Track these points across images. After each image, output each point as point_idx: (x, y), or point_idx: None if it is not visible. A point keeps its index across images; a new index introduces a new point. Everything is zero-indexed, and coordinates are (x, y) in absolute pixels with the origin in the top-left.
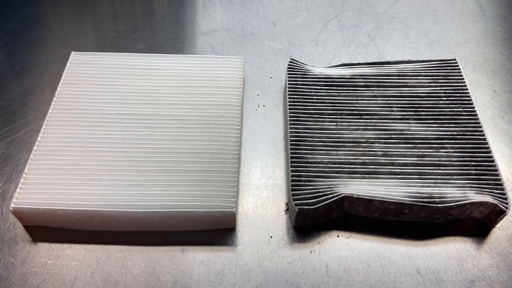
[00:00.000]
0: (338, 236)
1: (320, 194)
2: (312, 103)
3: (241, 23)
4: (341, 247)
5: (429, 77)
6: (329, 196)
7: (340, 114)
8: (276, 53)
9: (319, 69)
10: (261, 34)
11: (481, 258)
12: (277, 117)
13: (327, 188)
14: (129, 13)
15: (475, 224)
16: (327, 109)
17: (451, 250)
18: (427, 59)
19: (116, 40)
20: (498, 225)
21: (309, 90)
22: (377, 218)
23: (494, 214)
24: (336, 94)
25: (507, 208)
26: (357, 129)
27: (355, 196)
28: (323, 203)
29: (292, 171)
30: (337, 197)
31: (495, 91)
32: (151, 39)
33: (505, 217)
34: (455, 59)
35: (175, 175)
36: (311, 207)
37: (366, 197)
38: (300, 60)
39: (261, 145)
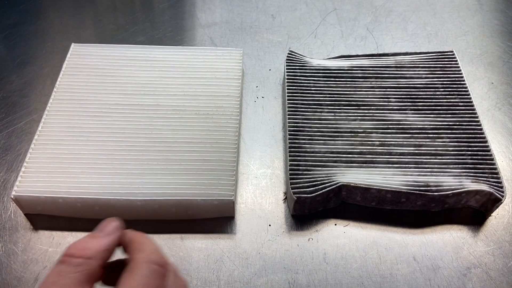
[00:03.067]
0: (335, 225)
1: (318, 183)
2: (310, 94)
3: (240, 16)
4: (339, 235)
5: (427, 69)
6: (326, 185)
7: (338, 105)
8: (275, 46)
9: (317, 60)
10: (260, 27)
11: (477, 246)
12: (275, 108)
13: (325, 177)
14: (129, 6)
15: (471, 212)
16: (325, 100)
17: (447, 238)
18: (424, 51)
19: (116, 32)
20: (494, 214)
21: (308, 81)
22: (374, 207)
23: (490, 203)
24: (334, 85)
25: (502, 196)
26: (354, 120)
27: (353, 184)
28: (320, 192)
29: (290, 160)
30: (334, 186)
31: (492, 83)
32: (151, 32)
33: (501, 205)
34: (452, 51)
35: (175, 164)
36: (309, 195)
37: (363, 186)
38: (299, 52)
39: (260, 136)
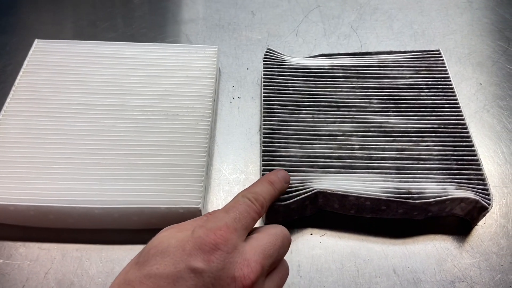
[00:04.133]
0: (311, 234)
1: (293, 189)
2: (288, 94)
3: (218, 12)
4: (315, 245)
5: (411, 68)
6: (301, 191)
7: (317, 106)
8: (254, 44)
9: (296, 59)
10: (239, 24)
11: (462, 258)
12: (252, 109)
13: (300, 183)
14: (101, 1)
15: (456, 221)
16: (304, 101)
17: (430, 248)
18: (409, 50)
19: (86, 29)
20: (480, 223)
21: (286, 81)
22: (354, 215)
23: (476, 211)
24: (314, 85)
25: (489, 204)
26: (334, 122)
27: (329, 191)
28: (295, 199)
29: (263, 165)
30: (310, 193)
31: (481, 83)
32: (123, 28)
33: (488, 214)
34: (438, 50)
35: (138, 169)
36: (282, 203)
37: (341, 193)
38: (279, 51)
39: (234, 139)
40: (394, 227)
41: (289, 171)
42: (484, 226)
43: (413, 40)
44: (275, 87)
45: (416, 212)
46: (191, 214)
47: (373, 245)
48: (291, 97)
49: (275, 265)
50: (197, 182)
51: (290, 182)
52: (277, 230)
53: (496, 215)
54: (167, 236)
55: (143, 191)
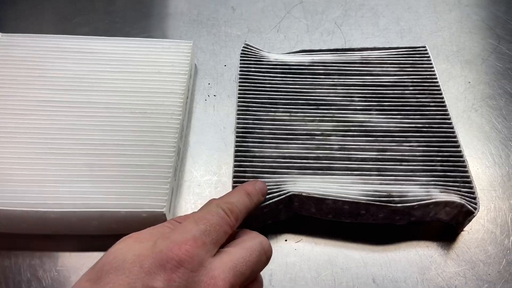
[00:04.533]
0: (286, 240)
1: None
2: (264, 91)
3: (197, 7)
4: (289, 252)
5: (396, 65)
6: (275, 194)
7: (295, 104)
8: (233, 40)
9: (275, 55)
10: (218, 19)
11: (446, 266)
12: (228, 108)
13: (274, 185)
14: None
15: (441, 227)
16: (281, 99)
17: (413, 256)
18: (394, 46)
19: (57, 23)
20: (467, 229)
21: (263, 77)
22: (332, 220)
23: (462, 216)
24: (292, 82)
25: (475, 209)
26: (312, 121)
27: (305, 194)
28: (268, 202)
29: (235, 166)
30: (284, 196)
31: (469, 82)
32: (96, 23)
33: (475, 219)
34: (424, 46)
35: (100, 169)
36: None
37: (318, 196)
38: (259, 47)
39: (208, 139)
40: (374, 233)
41: (263, 172)
42: (471, 232)
43: (400, 37)
44: (252, 84)
45: (398, 217)
46: (155, 219)
47: (352, 252)
48: (267, 94)
49: (248, 283)
50: (163, 184)
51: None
52: (254, 244)
53: (484, 220)
54: (124, 249)
55: (103, 194)
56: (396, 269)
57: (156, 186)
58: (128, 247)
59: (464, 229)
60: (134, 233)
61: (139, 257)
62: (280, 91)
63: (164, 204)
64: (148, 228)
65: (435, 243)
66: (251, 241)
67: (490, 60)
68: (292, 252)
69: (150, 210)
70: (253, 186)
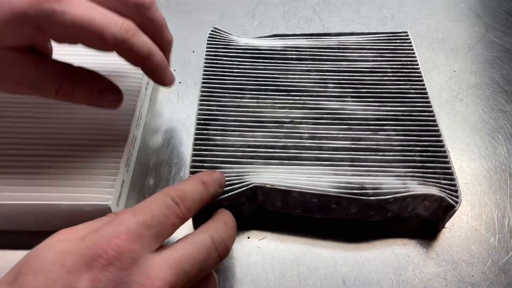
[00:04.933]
0: (249, 238)
1: (226, 184)
2: (231, 77)
3: None
4: (251, 251)
5: (374, 51)
6: (236, 186)
7: (264, 90)
8: (204, 26)
9: (245, 39)
10: (189, 5)
11: (425, 266)
12: (194, 96)
13: (235, 176)
14: None
15: (420, 224)
16: (249, 84)
17: (388, 255)
18: (373, 32)
19: None
20: (448, 225)
21: (231, 62)
22: (301, 216)
23: (442, 211)
24: (262, 67)
25: (456, 202)
26: (282, 108)
27: (269, 186)
28: (228, 195)
29: (193, 155)
30: (246, 188)
31: (454, 71)
32: None
33: (458, 215)
34: (406, 32)
35: (41, 159)
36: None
37: (282, 188)
38: (226, 30)
39: (169, 128)
40: (347, 229)
41: (224, 162)
42: (453, 229)
43: (381, 25)
44: (217, 69)
45: (373, 212)
46: (100, 213)
47: (321, 251)
48: (234, 80)
49: (196, 282)
50: (111, 175)
51: (225, 175)
52: (202, 238)
53: (467, 217)
54: (48, 247)
55: (43, 185)
56: (369, 269)
57: (103, 177)
58: (53, 244)
59: (446, 225)
60: (65, 228)
61: (61, 255)
62: (248, 77)
63: (110, 196)
64: (83, 223)
65: (413, 241)
66: (200, 234)
67: (477, 48)
68: (255, 250)
69: (94, 203)
70: (209, 176)
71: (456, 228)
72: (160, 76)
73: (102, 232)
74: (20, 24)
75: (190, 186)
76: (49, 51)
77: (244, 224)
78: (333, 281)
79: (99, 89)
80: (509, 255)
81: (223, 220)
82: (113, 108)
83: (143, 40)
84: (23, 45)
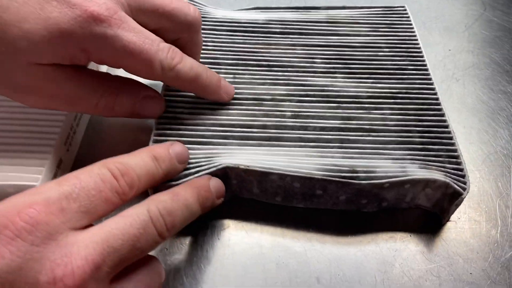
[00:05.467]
0: (207, 226)
1: (192, 165)
2: (206, 51)
3: None
4: (210, 242)
5: (368, 25)
6: (203, 167)
7: (243, 65)
8: None
9: (223, 12)
10: None
11: (415, 262)
12: None
13: (204, 157)
14: None
15: (422, 216)
16: (225, 59)
17: (372, 249)
18: (367, 6)
19: None
20: (454, 217)
21: (206, 35)
22: (281, 205)
23: (447, 200)
24: (242, 41)
25: (464, 189)
26: (262, 84)
27: (243, 167)
28: (192, 177)
29: (155, 134)
30: (215, 169)
31: (449, 50)
32: None
33: (465, 207)
34: (403, 6)
35: None
36: (173, 182)
37: (259, 169)
38: (203, 2)
39: None
40: (331, 221)
41: (191, 143)
42: (460, 221)
43: (370, 1)
44: None
45: (365, 200)
46: None
47: (294, 244)
48: (209, 54)
49: (129, 263)
50: (43, 153)
51: (191, 157)
52: (139, 210)
53: (465, 206)
54: None
55: None
56: (348, 265)
57: (34, 155)
58: None
59: (450, 218)
60: None
61: None
62: (225, 51)
63: (39, 176)
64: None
65: (400, 233)
66: (137, 207)
67: (474, 27)
68: (215, 242)
69: (19, 183)
70: (165, 149)
71: (452, 220)
72: (211, 94)
73: (15, 200)
74: (64, 43)
75: (136, 159)
76: (88, 63)
77: (213, 214)
78: (305, 278)
79: (139, 98)
80: None
81: (175, 192)
82: (155, 117)
83: (189, 64)
84: (62, 63)
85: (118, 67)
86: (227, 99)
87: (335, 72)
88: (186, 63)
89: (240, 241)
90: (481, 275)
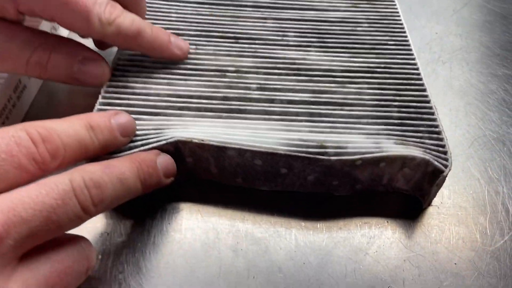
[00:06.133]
0: (156, 209)
1: (139, 138)
2: (168, 21)
3: None
4: (158, 227)
5: (348, 1)
6: (151, 140)
7: (206, 37)
8: None
9: None
10: None
11: (391, 250)
12: None
13: (153, 129)
14: None
15: (401, 202)
16: (188, 30)
17: (343, 236)
18: None
19: None
20: (437, 202)
21: (169, 7)
22: (243, 187)
23: (427, 180)
24: (208, 13)
25: (446, 166)
26: (227, 55)
27: (196, 141)
28: (133, 151)
29: (100, 104)
30: (164, 142)
31: (436, 33)
32: None
33: (449, 192)
34: None
35: None
36: (114, 155)
37: (215, 144)
38: None
39: None
40: (297, 204)
41: (141, 113)
42: (431, 207)
43: None
44: (151, 12)
45: (336, 181)
46: None
47: (254, 230)
48: (171, 25)
49: (45, 240)
50: None
51: (138, 128)
52: (59, 179)
53: (449, 191)
54: None
55: None
56: (315, 253)
57: None
58: None
59: (431, 202)
60: None
61: None
62: (188, 22)
63: None
64: None
65: (375, 219)
66: (58, 176)
67: (463, 12)
68: (165, 227)
69: None
70: (105, 118)
71: (433, 204)
72: (161, 50)
73: None
74: None
75: (65, 125)
76: (20, 19)
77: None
78: (265, 267)
79: (78, 59)
80: (505, 239)
81: (109, 164)
82: (97, 85)
83: (130, 19)
84: None
85: (52, 20)
86: (182, 55)
87: (308, 46)
88: (126, 17)
89: (194, 225)
90: (467, 266)
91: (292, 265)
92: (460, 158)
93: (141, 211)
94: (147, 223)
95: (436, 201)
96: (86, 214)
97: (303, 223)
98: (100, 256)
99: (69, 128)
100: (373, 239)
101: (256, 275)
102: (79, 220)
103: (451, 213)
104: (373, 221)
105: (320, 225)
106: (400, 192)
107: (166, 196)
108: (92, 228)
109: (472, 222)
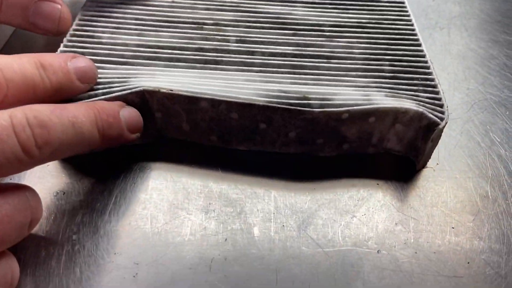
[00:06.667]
0: (120, 167)
1: (101, 86)
2: None
3: None
4: (122, 186)
5: None
6: (114, 89)
7: None
8: None
9: None
10: None
11: (382, 213)
12: None
13: (118, 77)
14: None
15: (394, 163)
16: None
17: (329, 198)
18: None
19: None
20: (432, 163)
21: None
22: (218, 147)
23: (421, 135)
24: None
25: (442, 119)
26: (206, 9)
27: (164, 91)
28: (94, 99)
29: (62, 52)
30: (128, 91)
31: (433, 0)
32: None
33: (446, 153)
34: None
35: None
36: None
37: (186, 94)
38: None
39: None
40: (280, 165)
41: (105, 62)
42: (420, 177)
43: None
44: None
45: (321, 139)
46: None
47: (227, 190)
48: None
49: None
50: None
51: (101, 76)
52: None
53: (446, 153)
54: None
55: None
56: (296, 215)
57: None
58: None
59: (426, 164)
60: None
61: None
62: None
63: None
64: None
65: (365, 180)
66: None
67: None
68: (129, 186)
69: None
70: (60, 59)
71: (429, 166)
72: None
73: None
74: None
75: (10, 59)
76: None
77: (121, 150)
78: (239, 230)
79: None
80: (508, 203)
81: (62, 106)
82: (55, 32)
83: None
84: None
85: None
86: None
87: (294, 1)
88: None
89: (162, 186)
90: (465, 230)
91: (270, 227)
92: (459, 121)
93: (104, 170)
94: (109, 183)
95: (431, 163)
96: (28, 156)
97: (284, 184)
98: (53, 216)
99: (14, 63)
100: (361, 201)
101: (228, 237)
102: (19, 164)
103: (449, 175)
104: (362, 183)
105: (302, 186)
106: (392, 154)
107: (133, 155)
108: (46, 186)
109: (472, 186)
